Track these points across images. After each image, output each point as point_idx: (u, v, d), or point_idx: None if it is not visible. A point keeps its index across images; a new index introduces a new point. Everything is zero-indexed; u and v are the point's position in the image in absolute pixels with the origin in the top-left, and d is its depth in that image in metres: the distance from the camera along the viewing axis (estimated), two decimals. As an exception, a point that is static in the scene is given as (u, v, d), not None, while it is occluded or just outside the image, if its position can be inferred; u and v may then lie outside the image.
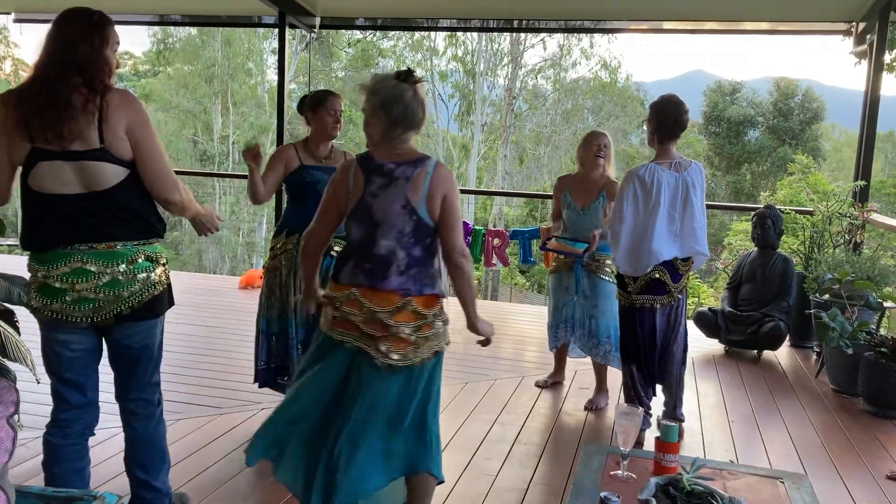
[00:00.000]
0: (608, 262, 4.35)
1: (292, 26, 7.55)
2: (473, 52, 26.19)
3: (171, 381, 4.51)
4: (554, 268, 4.59)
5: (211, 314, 6.32)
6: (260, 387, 3.86)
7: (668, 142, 3.75)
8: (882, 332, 4.95)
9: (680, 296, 3.83)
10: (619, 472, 2.46)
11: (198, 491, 3.14)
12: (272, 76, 28.44)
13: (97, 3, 2.51)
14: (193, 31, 26.00)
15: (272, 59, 27.89)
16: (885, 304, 5.16)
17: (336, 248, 3.54)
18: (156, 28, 25.08)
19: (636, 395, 3.88)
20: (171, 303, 2.64)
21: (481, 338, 2.64)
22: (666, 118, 3.72)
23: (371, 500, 2.52)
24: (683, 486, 2.17)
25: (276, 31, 7.42)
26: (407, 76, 2.46)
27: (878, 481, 3.56)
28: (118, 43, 2.46)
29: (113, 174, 2.36)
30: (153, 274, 2.52)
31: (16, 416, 1.50)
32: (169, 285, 2.61)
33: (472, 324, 2.58)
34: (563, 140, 25.69)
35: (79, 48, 2.32)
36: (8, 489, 1.48)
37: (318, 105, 3.67)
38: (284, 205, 3.96)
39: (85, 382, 2.54)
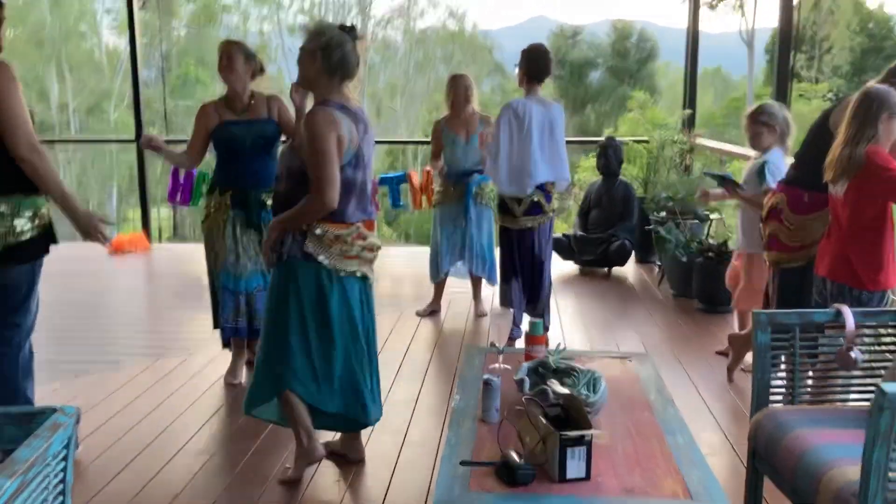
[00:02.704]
0: (488, 190, 4.90)
1: (138, -16, 7.38)
2: (320, 3, 25.86)
3: (62, 344, 4.58)
4: (439, 200, 5.04)
5: (89, 280, 6.27)
6: (224, 346, 4.01)
7: (536, 83, 4.27)
8: (710, 240, 5.65)
9: (551, 214, 4.37)
10: (497, 365, 2.87)
11: (104, 439, 3.32)
12: (109, 38, 26.97)
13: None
14: (15, -8, 24.13)
15: (107, 20, 26.43)
16: (711, 216, 5.90)
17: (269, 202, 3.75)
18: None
19: (513, 304, 4.37)
20: (37, 253, 2.80)
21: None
22: (536, 63, 4.25)
23: None
24: (550, 366, 2.61)
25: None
26: (350, 30, 2.72)
27: (709, 360, 4.24)
28: None
29: None
30: (16, 223, 2.70)
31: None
32: (35, 238, 2.76)
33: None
34: (417, 90, 26.00)
35: None
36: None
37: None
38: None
39: None
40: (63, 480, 1.68)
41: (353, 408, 2.89)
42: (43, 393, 3.77)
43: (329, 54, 2.68)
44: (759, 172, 3.93)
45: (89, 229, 2.81)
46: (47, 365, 4.19)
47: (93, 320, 5.17)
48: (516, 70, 4.36)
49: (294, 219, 2.73)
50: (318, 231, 2.74)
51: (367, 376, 2.92)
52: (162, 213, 17.21)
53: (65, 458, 1.68)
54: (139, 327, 5.05)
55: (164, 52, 23.28)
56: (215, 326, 4.03)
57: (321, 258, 2.75)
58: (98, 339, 4.74)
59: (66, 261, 6.95)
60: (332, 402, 2.85)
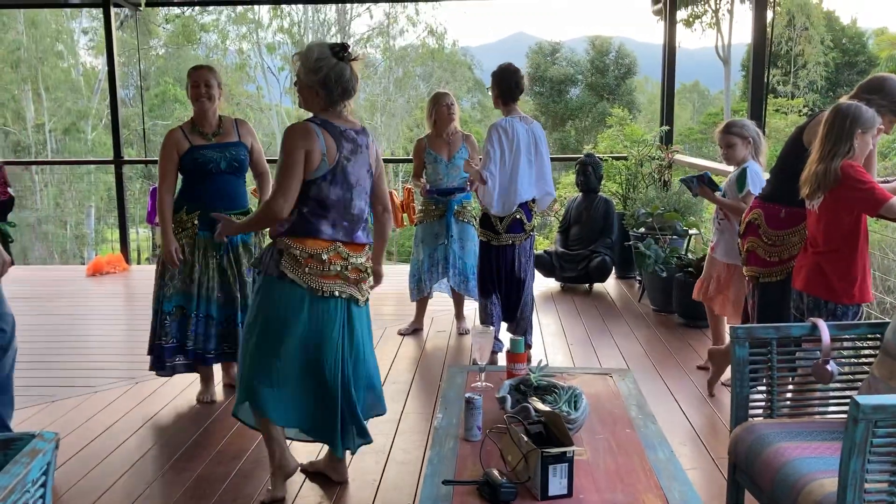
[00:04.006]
0: (469, 207, 4.98)
1: (116, 5, 7.38)
2: (300, 23, 25.90)
3: (37, 368, 4.54)
4: (421, 219, 5.06)
5: (65, 303, 6.22)
6: (156, 369, 3.93)
7: (512, 103, 4.31)
8: (689, 255, 5.71)
9: (532, 233, 4.41)
10: (479, 383, 2.88)
11: (83, 464, 3.29)
12: (86, 58, 26.83)
13: None
14: (-11, 12, 23.99)
15: (84, 40, 26.31)
16: (690, 232, 5.95)
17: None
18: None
19: (491, 319, 4.39)
20: None
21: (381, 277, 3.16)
22: (507, 84, 4.27)
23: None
24: (531, 383, 2.62)
25: (85, 10, 7.26)
26: (343, 52, 2.73)
27: (688, 374, 4.27)
28: None
29: None
30: None
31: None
32: None
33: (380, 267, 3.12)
34: (397, 108, 26.06)
35: None
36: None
37: (187, 81, 3.79)
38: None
39: None
40: (42, 507, 1.66)
41: (319, 432, 2.91)
42: (17, 419, 3.73)
43: (329, 89, 2.73)
44: (740, 177, 3.98)
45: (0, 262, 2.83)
46: (23, 390, 4.14)
47: (70, 343, 5.12)
48: (490, 93, 4.41)
49: (248, 223, 2.95)
50: (294, 251, 2.76)
51: (339, 401, 2.87)
52: (141, 234, 17.09)
53: (44, 485, 1.67)
54: (117, 350, 5.00)
55: (141, 71, 23.22)
56: (150, 352, 3.92)
57: (294, 276, 2.76)
58: (75, 362, 4.69)
59: (42, 283, 6.95)
60: (287, 419, 2.87)
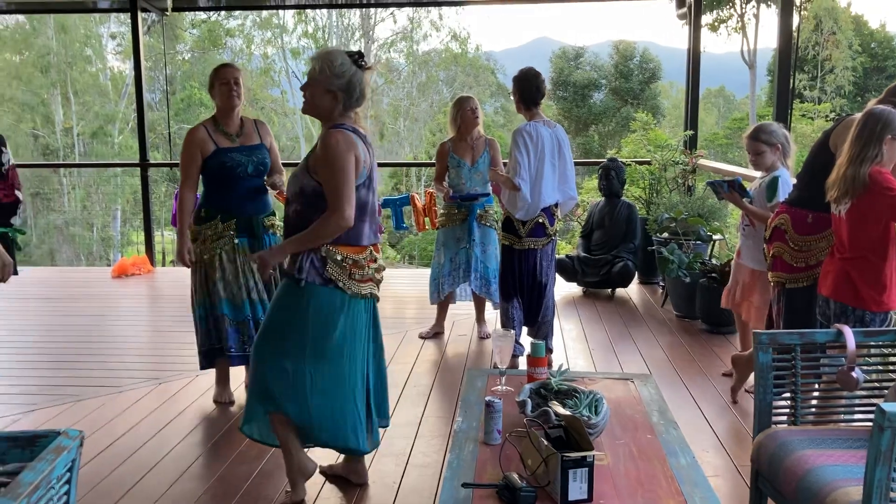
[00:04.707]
0: (492, 212, 4.98)
1: (144, 10, 7.48)
2: (324, 27, 26.07)
3: (63, 368, 4.61)
4: (443, 223, 5.07)
5: (91, 304, 6.29)
6: (208, 366, 3.96)
7: (534, 107, 4.31)
8: (713, 261, 5.66)
9: (553, 237, 4.40)
10: (499, 387, 2.88)
11: (107, 463, 3.32)
12: (113, 62, 27.18)
13: None
14: (22, 17, 24.36)
15: (111, 45, 26.65)
16: (714, 237, 5.90)
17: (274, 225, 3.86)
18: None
19: (513, 323, 4.38)
20: None
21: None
22: (528, 88, 4.28)
23: None
24: (552, 387, 2.61)
25: (113, 15, 7.34)
26: (360, 59, 2.76)
27: (712, 380, 4.23)
28: None
29: None
30: None
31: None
32: None
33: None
34: (420, 112, 26.15)
35: None
36: (-19, 432, 1.69)
37: (213, 79, 3.77)
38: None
39: None
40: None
41: (342, 434, 2.88)
42: (43, 418, 3.80)
43: (350, 95, 2.75)
44: (771, 186, 3.93)
45: None
46: (49, 389, 4.22)
47: (95, 344, 5.18)
48: (512, 98, 4.42)
49: (309, 238, 2.72)
50: (338, 257, 2.76)
51: (360, 403, 2.90)
52: (166, 236, 17.27)
53: (68, 482, 1.69)
54: (142, 350, 5.05)
55: (168, 75, 23.47)
56: (201, 351, 3.94)
57: (341, 284, 2.77)
58: (101, 362, 4.74)
59: (68, 284, 7.04)
60: (320, 425, 2.85)
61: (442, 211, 5.14)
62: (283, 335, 2.81)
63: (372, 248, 2.87)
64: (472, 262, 4.94)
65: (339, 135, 2.69)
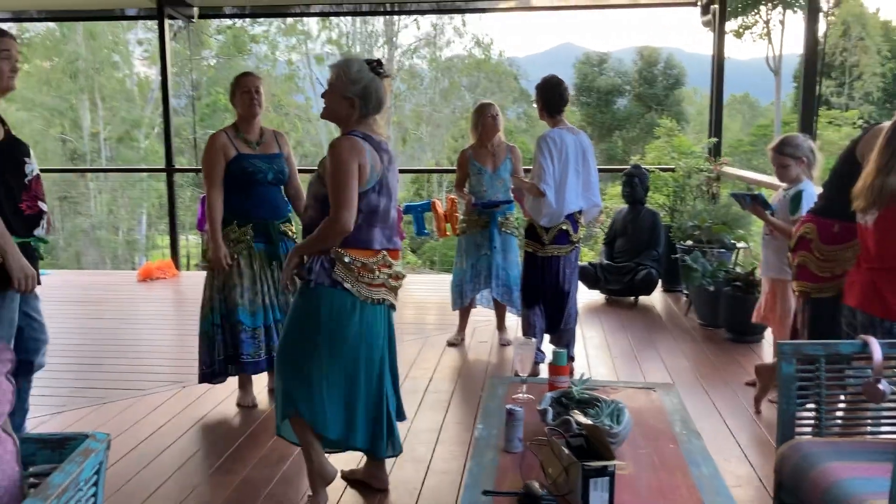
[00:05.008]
0: (513, 219, 4.98)
1: (171, 17, 7.58)
2: (348, 34, 26.23)
3: (89, 370, 4.67)
4: (464, 229, 5.07)
5: (117, 307, 6.38)
6: (205, 380, 3.99)
7: (557, 114, 4.30)
8: (737, 269, 5.62)
9: (577, 244, 4.39)
10: (520, 395, 2.88)
11: (132, 465, 3.37)
12: (140, 68, 27.52)
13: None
14: (52, 24, 24.76)
15: (138, 51, 26.99)
16: (739, 245, 5.86)
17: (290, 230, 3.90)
18: (8, 24, 23.73)
19: (534, 330, 4.37)
20: None
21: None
22: (551, 96, 4.28)
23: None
24: (573, 396, 2.61)
25: (140, 22, 7.43)
26: (379, 67, 2.78)
27: (736, 390, 4.19)
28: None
29: None
30: None
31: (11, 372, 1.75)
32: None
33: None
34: (443, 118, 26.20)
35: None
36: (12, 434, 1.73)
37: (234, 87, 3.84)
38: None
39: None
40: (93, 506, 1.71)
41: (353, 435, 2.91)
42: (70, 419, 3.86)
43: (367, 102, 2.77)
44: (795, 199, 3.91)
45: (21, 277, 2.87)
46: (75, 391, 4.28)
47: (120, 346, 5.24)
48: (535, 105, 4.42)
49: (313, 243, 2.79)
50: (346, 259, 2.79)
51: (373, 406, 2.93)
52: (190, 241, 17.44)
53: (95, 484, 1.72)
54: (167, 354, 5.11)
55: (193, 81, 23.73)
56: (202, 362, 3.96)
57: (348, 285, 2.79)
58: (126, 365, 4.80)
59: (95, 287, 7.13)
60: (334, 428, 2.88)
61: (463, 217, 5.15)
62: (299, 337, 2.87)
63: (387, 253, 2.88)
64: (493, 269, 4.95)
65: (345, 141, 2.74)
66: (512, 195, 4.91)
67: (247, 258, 3.84)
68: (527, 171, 4.67)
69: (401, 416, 3.14)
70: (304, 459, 2.98)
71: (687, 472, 2.20)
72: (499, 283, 4.97)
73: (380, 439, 2.95)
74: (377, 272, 2.84)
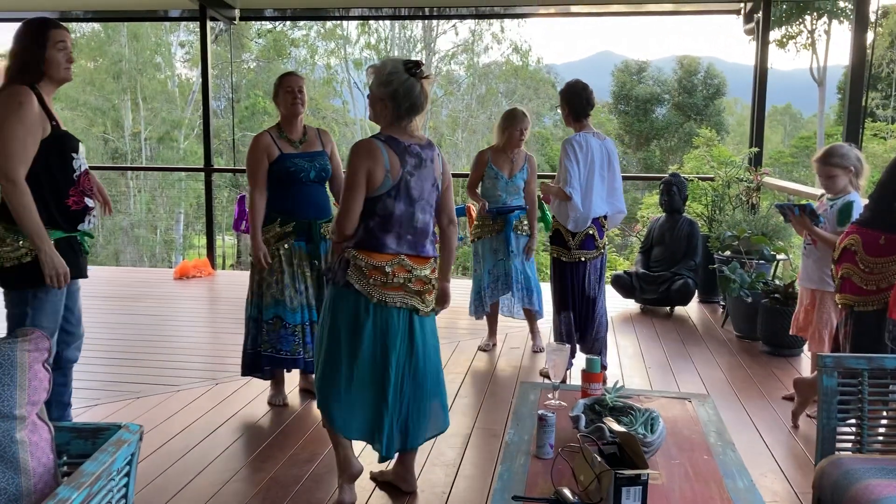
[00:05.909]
0: (526, 221, 4.96)
1: (213, 19, 7.67)
2: (386, 39, 26.37)
3: (124, 365, 4.73)
4: (478, 235, 5.01)
5: (153, 304, 6.46)
6: (248, 373, 4.02)
7: (583, 119, 4.26)
8: (776, 281, 5.51)
9: (603, 250, 4.35)
10: (552, 401, 2.85)
11: (163, 459, 3.39)
12: (181, 70, 27.96)
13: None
14: (97, 25, 25.27)
15: (180, 53, 27.42)
16: (778, 256, 5.75)
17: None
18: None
19: (567, 338, 4.33)
20: (24, 281, 2.91)
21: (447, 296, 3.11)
22: (576, 101, 4.23)
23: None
24: (607, 403, 2.57)
25: (183, 24, 7.52)
26: (415, 69, 2.76)
27: (772, 403, 4.10)
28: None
29: None
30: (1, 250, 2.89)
31: (49, 361, 1.76)
32: (21, 266, 2.89)
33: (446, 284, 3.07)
34: (479, 124, 26.19)
35: None
36: (48, 422, 1.75)
37: (277, 87, 3.87)
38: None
39: None
40: (125, 496, 1.72)
41: (375, 438, 2.89)
42: (104, 413, 3.90)
43: (399, 104, 2.76)
44: (844, 211, 3.82)
45: (52, 274, 2.90)
46: (110, 385, 4.33)
47: (156, 343, 5.30)
48: (559, 111, 4.39)
49: (334, 242, 2.97)
50: (357, 261, 2.81)
51: (395, 409, 2.89)
52: (227, 241, 17.64)
53: (128, 475, 1.72)
54: (200, 351, 5.15)
55: (233, 83, 24.04)
56: (247, 359, 3.99)
57: (358, 287, 2.80)
58: (160, 361, 4.85)
59: (132, 284, 7.23)
60: (352, 430, 2.88)
61: (477, 222, 5.10)
62: (321, 334, 2.95)
63: (405, 256, 2.85)
64: (512, 273, 4.90)
65: (362, 146, 2.78)
66: (524, 201, 4.90)
67: (288, 256, 3.86)
68: (547, 178, 4.63)
69: (414, 440, 2.98)
70: (333, 460, 2.97)
71: (722, 484, 2.15)
72: (520, 287, 4.92)
73: (380, 436, 2.89)
74: (392, 275, 2.82)
